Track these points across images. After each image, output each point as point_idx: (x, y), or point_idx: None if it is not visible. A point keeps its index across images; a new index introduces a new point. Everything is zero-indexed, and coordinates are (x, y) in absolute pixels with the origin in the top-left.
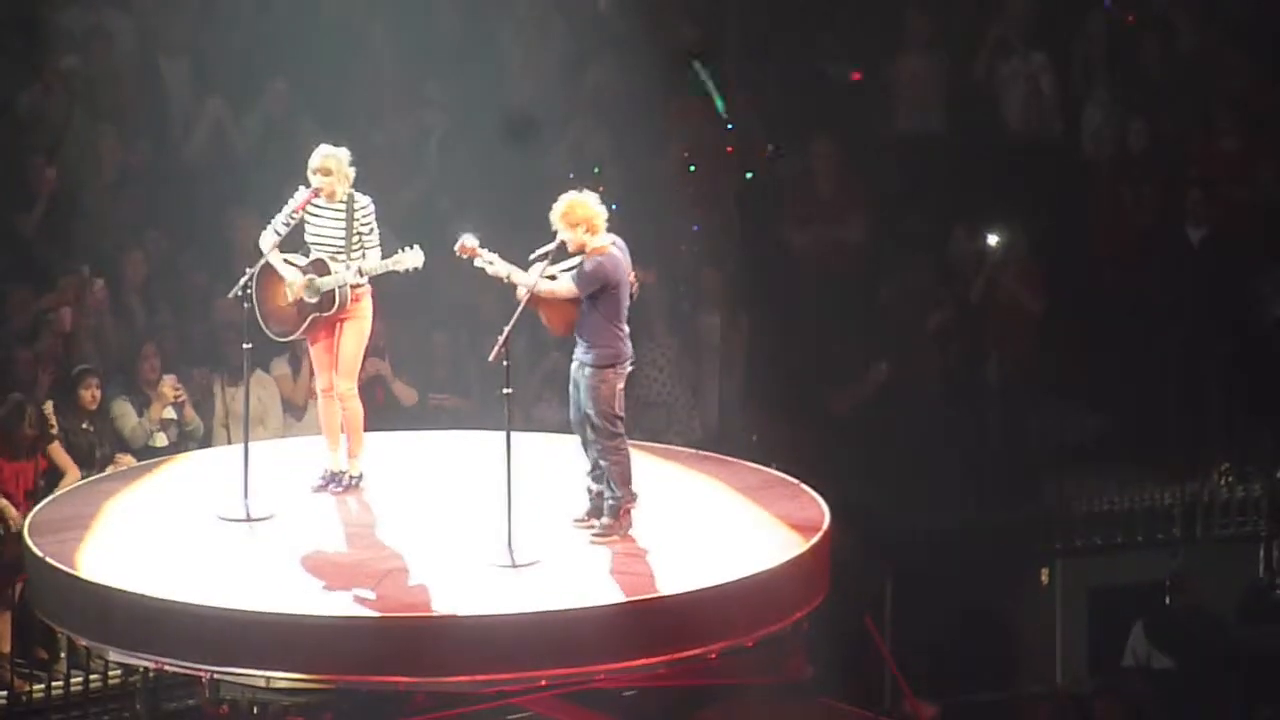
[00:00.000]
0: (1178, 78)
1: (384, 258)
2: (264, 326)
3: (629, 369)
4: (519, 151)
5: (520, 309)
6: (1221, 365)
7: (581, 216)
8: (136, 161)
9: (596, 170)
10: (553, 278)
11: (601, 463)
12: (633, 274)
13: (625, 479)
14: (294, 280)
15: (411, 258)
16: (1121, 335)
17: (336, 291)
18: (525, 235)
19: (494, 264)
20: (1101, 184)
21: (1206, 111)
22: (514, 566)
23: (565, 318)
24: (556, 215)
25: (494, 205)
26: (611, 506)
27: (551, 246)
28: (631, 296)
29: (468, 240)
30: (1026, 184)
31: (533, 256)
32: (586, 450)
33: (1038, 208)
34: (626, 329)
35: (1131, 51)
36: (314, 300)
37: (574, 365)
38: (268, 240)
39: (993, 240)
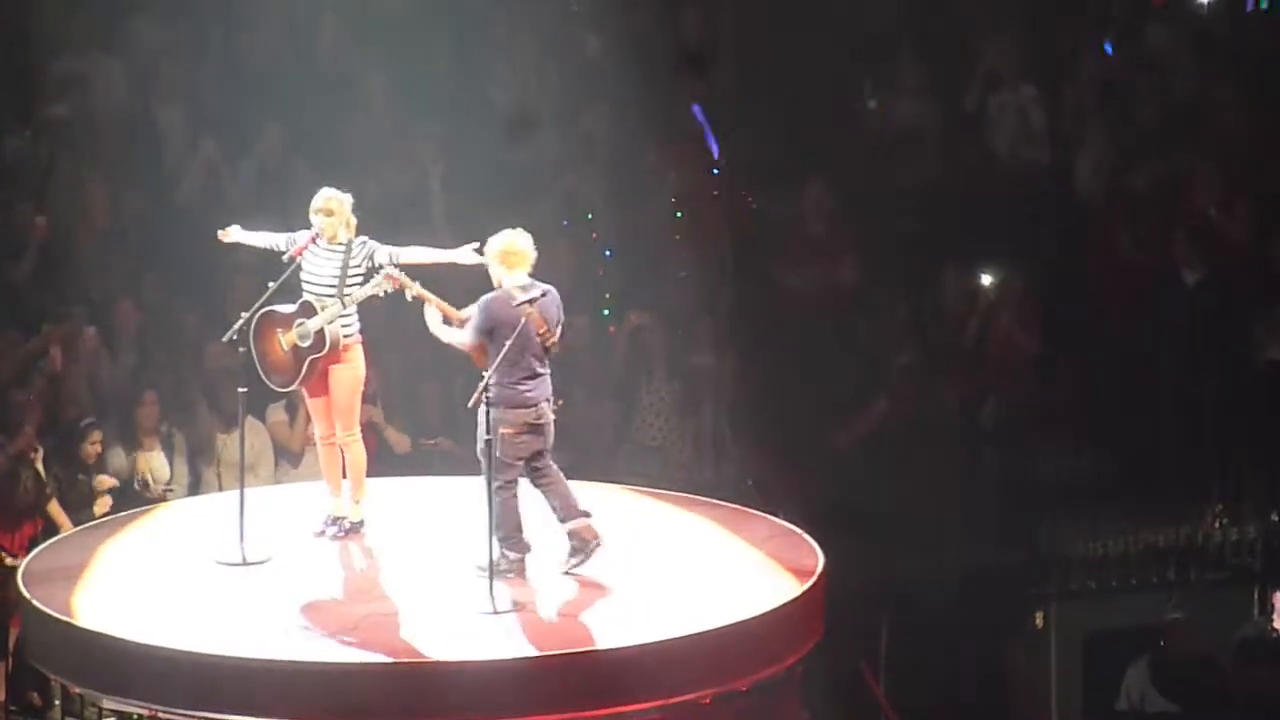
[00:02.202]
0: (1173, 119)
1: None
2: (266, 380)
3: (526, 418)
4: (513, 198)
5: (502, 356)
6: (1216, 407)
7: (501, 251)
8: (129, 208)
9: (589, 216)
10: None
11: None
12: (544, 327)
13: (500, 524)
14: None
15: (384, 279)
16: (1116, 377)
17: (326, 330)
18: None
19: (427, 296)
20: (1097, 225)
21: (1202, 153)
22: (495, 613)
23: (479, 356)
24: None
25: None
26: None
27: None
28: (548, 349)
29: (391, 270)
30: (1022, 224)
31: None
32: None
33: (1034, 248)
34: (525, 377)
35: (1126, 92)
36: (307, 343)
37: None
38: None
39: (988, 280)
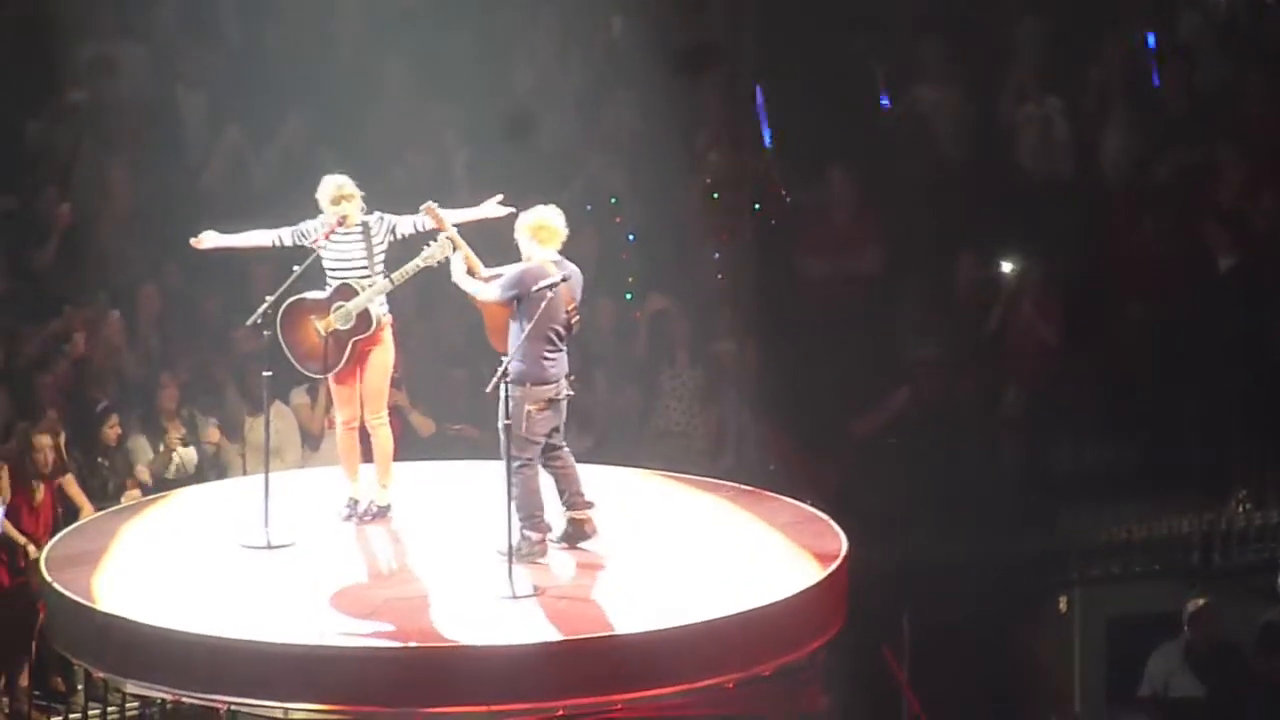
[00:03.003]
0: (1202, 105)
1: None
2: (301, 367)
3: (549, 394)
4: (537, 183)
5: (523, 340)
6: (1240, 393)
7: (534, 226)
8: (152, 193)
9: (614, 201)
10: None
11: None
12: (572, 304)
13: (520, 504)
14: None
15: (438, 250)
16: (1139, 363)
17: (370, 309)
18: None
19: (458, 241)
20: (1123, 213)
21: (1232, 140)
22: (515, 598)
23: (496, 327)
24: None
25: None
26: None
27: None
28: (570, 327)
29: (431, 205)
30: (1046, 213)
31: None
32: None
33: (1058, 237)
34: (549, 352)
35: (1153, 79)
36: (348, 325)
37: None
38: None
39: (1009, 269)
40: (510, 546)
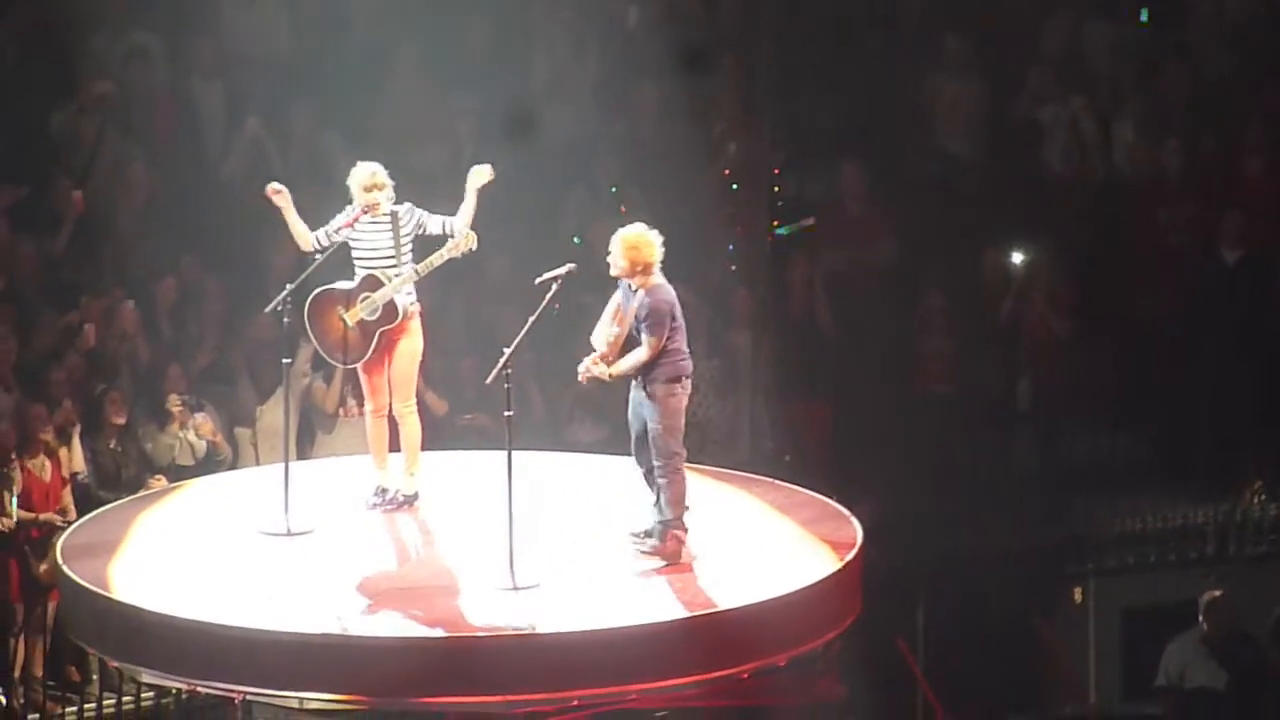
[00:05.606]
0: (1213, 99)
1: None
2: (331, 359)
3: (688, 392)
4: (549, 175)
5: (524, 333)
6: (1253, 383)
7: (645, 259)
8: (170, 183)
9: (614, 190)
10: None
11: (659, 481)
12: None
13: (676, 500)
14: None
15: (464, 241)
16: (1153, 355)
17: (396, 300)
18: (552, 255)
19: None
20: (1135, 205)
21: (1243, 132)
22: (515, 589)
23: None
24: (621, 251)
25: (523, 224)
26: (659, 529)
27: (562, 271)
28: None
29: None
30: (1058, 206)
31: (539, 281)
32: (648, 480)
33: (1070, 229)
34: (686, 348)
35: (1165, 72)
36: (375, 316)
37: (633, 387)
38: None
39: (1021, 261)
40: (509, 539)
